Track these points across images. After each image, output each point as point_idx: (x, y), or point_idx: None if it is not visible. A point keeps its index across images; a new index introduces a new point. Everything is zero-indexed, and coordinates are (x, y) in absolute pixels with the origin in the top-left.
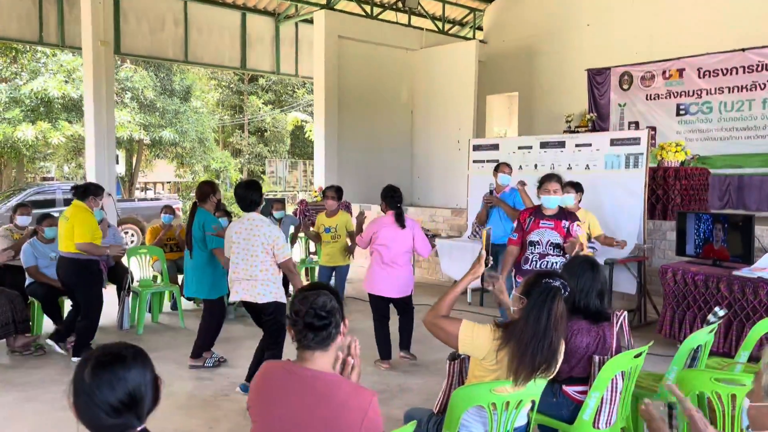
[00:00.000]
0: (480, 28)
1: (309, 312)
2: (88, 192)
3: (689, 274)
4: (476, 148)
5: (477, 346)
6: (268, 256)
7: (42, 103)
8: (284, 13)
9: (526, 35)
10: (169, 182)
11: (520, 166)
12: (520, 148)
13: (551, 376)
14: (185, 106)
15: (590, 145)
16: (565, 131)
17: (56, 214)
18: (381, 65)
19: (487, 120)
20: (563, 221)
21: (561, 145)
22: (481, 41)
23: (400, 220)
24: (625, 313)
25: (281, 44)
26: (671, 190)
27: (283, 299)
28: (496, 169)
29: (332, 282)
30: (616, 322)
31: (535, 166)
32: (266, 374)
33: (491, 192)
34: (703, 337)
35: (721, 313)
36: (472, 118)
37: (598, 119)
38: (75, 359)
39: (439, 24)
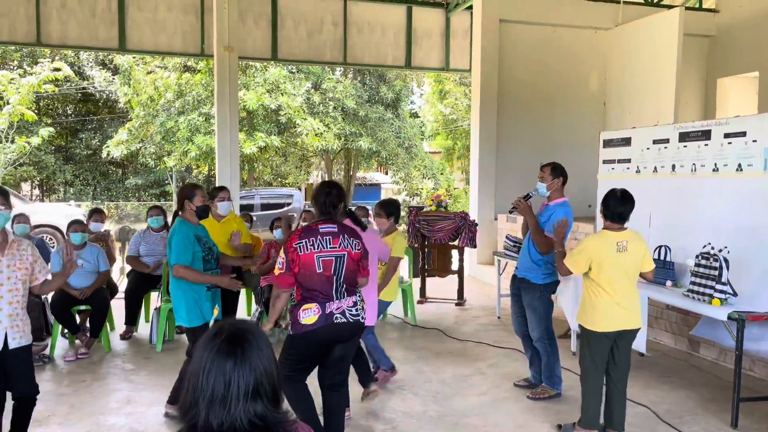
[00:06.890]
0: None
1: None
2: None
3: None
4: (606, 143)
5: None
6: None
7: (246, 114)
8: (455, 1)
9: None
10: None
11: (655, 168)
12: (655, 142)
13: None
14: (389, 113)
15: (744, 134)
16: None
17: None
18: (559, 50)
19: (718, 109)
20: None
21: (705, 135)
22: (711, 10)
23: None
24: None
25: (452, 37)
26: None
27: None
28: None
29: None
30: None
31: (673, 167)
32: None
33: (527, 196)
34: None
35: None
36: (673, 108)
37: None
38: None
39: None
